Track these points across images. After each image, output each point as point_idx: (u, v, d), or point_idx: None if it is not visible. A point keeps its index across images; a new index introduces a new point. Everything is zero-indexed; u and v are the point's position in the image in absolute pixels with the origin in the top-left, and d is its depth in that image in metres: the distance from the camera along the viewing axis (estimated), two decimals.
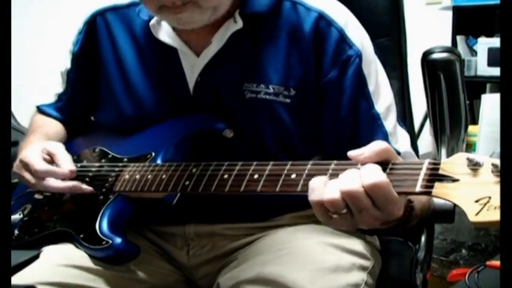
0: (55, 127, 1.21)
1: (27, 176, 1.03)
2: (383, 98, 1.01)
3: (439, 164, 0.68)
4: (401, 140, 1.02)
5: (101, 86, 1.13)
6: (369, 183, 0.69)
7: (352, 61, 0.97)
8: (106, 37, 1.12)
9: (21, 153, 1.07)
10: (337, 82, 0.97)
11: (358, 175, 0.70)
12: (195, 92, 1.03)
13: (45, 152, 1.05)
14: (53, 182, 1.01)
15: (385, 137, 0.97)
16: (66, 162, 1.03)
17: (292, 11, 1.00)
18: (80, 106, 1.20)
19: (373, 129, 0.98)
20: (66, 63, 1.18)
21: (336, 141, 0.99)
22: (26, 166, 1.03)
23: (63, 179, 1.02)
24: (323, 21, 0.98)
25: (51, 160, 1.05)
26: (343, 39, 0.97)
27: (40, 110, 1.24)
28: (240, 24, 0.99)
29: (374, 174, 0.69)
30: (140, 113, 1.08)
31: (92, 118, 1.21)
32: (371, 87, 0.99)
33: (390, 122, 1.00)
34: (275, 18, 1.00)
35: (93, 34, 1.13)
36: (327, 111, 0.99)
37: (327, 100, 0.99)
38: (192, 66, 1.03)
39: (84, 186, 1.02)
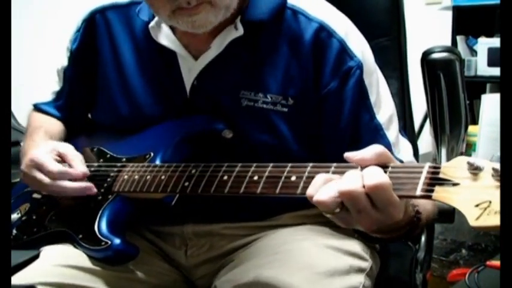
0: (56, 126, 1.20)
1: (40, 176, 1.01)
2: (385, 108, 1.00)
3: (439, 167, 0.68)
4: (403, 149, 1.02)
5: (98, 84, 1.13)
6: (371, 184, 0.69)
7: (353, 72, 0.96)
8: (105, 35, 1.11)
9: (29, 153, 1.05)
10: (337, 93, 0.97)
11: (360, 176, 0.70)
12: (192, 95, 1.03)
13: (55, 152, 1.04)
14: (67, 183, 1.00)
15: (388, 147, 0.96)
16: (79, 164, 1.02)
17: (293, 20, 0.99)
18: (78, 104, 1.19)
19: (375, 140, 0.97)
20: (63, 61, 1.17)
21: (335, 151, 0.99)
22: (38, 166, 1.02)
23: (76, 180, 1.01)
24: (324, 32, 0.97)
25: (61, 161, 1.04)
26: (344, 50, 0.97)
27: (38, 108, 1.23)
28: (240, 31, 0.98)
29: (377, 176, 0.69)
30: (136, 113, 1.08)
31: (90, 116, 1.20)
32: (372, 98, 0.98)
33: (392, 132, 1.00)
34: (276, 26, 1.00)
35: (92, 32, 1.12)
36: (327, 122, 0.99)
37: (327, 111, 0.98)
38: (190, 70, 1.03)
39: (95, 189, 1.01)
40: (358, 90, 0.97)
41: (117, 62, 1.10)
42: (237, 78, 1.01)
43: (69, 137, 1.21)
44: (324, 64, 0.97)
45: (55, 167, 1.00)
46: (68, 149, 1.05)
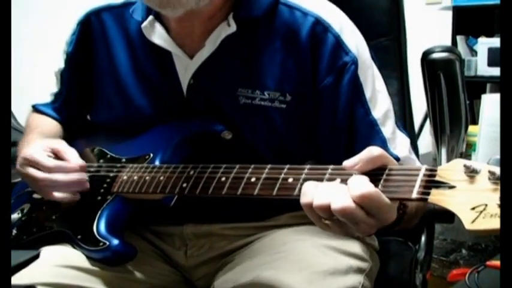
0: (53, 127, 1.20)
1: (33, 171, 1.01)
2: (380, 104, 1.00)
3: (435, 170, 0.68)
4: (400, 145, 1.01)
5: (94, 85, 1.13)
6: (357, 194, 0.68)
7: (348, 68, 0.96)
8: (100, 37, 1.11)
9: (22, 152, 1.06)
10: (332, 88, 0.97)
11: (347, 189, 0.70)
12: (189, 94, 1.03)
13: (48, 150, 1.04)
14: (62, 176, 1.00)
15: (383, 143, 0.97)
16: (74, 157, 1.02)
17: (288, 15, 0.99)
18: (76, 106, 1.19)
19: (370, 135, 0.98)
20: (60, 63, 1.18)
21: (331, 147, 0.99)
22: (32, 164, 1.01)
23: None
24: (320, 26, 0.97)
25: (56, 157, 1.03)
26: (339, 45, 0.97)
27: (37, 109, 1.23)
28: (233, 27, 0.98)
29: (361, 186, 0.69)
30: (132, 114, 1.08)
31: (88, 117, 1.20)
32: (367, 94, 0.98)
33: (388, 128, 1.00)
34: (271, 22, 0.99)
35: (87, 34, 1.12)
36: (323, 118, 0.99)
37: (323, 106, 0.98)
38: (185, 69, 1.02)
39: (88, 184, 1.01)
40: (353, 85, 0.97)
41: (112, 63, 1.09)
42: (234, 76, 1.00)
43: (68, 138, 1.20)
44: (319, 59, 0.97)
45: (50, 162, 1.00)
46: (62, 145, 1.05)
